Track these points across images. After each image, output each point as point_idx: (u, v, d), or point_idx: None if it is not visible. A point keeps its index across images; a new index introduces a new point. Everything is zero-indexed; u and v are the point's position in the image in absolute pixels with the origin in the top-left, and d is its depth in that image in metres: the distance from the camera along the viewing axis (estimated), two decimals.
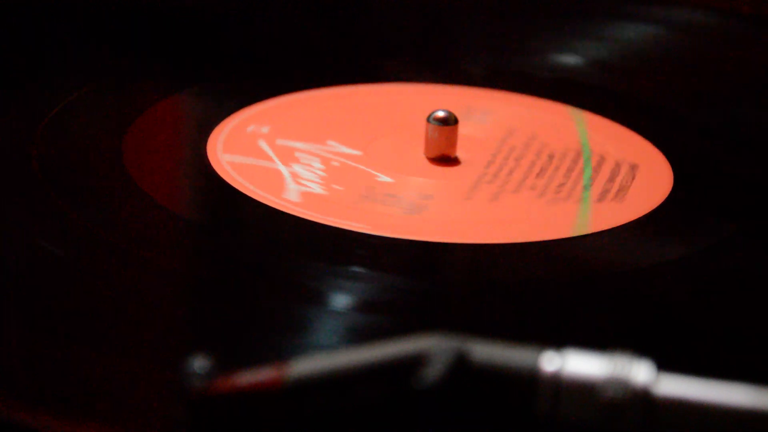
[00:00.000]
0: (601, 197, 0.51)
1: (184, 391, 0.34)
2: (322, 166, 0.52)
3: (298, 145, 0.54)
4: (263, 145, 0.53)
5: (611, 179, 0.52)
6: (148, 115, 0.56)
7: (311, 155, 0.53)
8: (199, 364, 0.35)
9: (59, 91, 0.56)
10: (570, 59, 0.65)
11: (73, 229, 0.46)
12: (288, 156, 0.53)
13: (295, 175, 0.51)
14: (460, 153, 0.54)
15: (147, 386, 0.37)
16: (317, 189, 0.50)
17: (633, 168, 0.53)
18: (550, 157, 0.54)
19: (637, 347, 0.35)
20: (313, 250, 0.47)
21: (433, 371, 0.34)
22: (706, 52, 0.67)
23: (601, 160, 0.54)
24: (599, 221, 0.49)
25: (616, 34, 0.68)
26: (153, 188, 0.49)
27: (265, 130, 0.55)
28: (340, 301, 0.43)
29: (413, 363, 0.34)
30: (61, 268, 0.43)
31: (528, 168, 0.53)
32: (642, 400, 0.34)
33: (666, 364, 0.34)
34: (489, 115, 0.58)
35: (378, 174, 0.52)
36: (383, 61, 0.65)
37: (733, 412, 0.34)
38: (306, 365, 0.34)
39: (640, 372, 0.34)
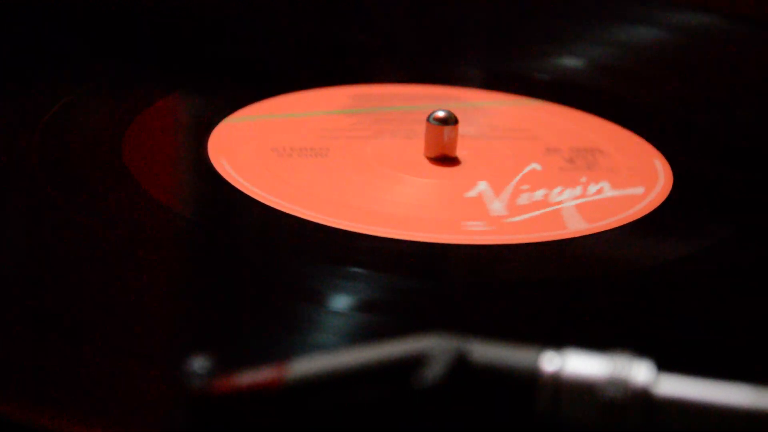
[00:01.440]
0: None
1: (184, 391, 0.34)
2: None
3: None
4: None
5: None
6: (148, 114, 0.56)
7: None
8: (199, 364, 0.35)
9: (59, 91, 0.56)
10: (570, 61, 0.65)
11: (73, 229, 0.46)
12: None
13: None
14: (460, 153, 0.54)
15: (147, 386, 0.37)
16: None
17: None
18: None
19: (637, 347, 0.35)
20: (313, 250, 0.47)
21: (433, 371, 0.34)
22: (706, 54, 0.67)
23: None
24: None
25: (615, 36, 0.68)
26: (153, 188, 0.49)
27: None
28: (340, 301, 0.43)
29: (413, 363, 0.34)
30: (61, 268, 0.43)
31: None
32: (642, 400, 0.34)
33: (666, 364, 0.34)
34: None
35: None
36: (383, 61, 0.65)
37: (732, 412, 0.34)
38: (306, 365, 0.34)
39: (639, 372, 0.34)
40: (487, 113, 0.56)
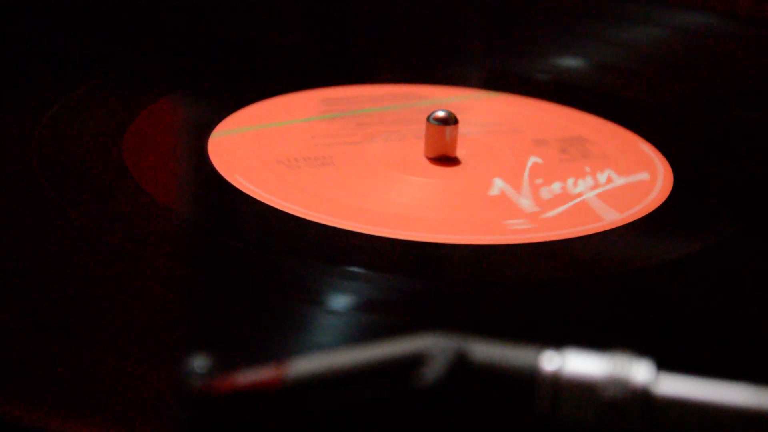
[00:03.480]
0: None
1: (184, 391, 0.34)
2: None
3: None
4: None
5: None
6: (148, 114, 0.56)
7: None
8: (199, 364, 0.35)
9: (59, 91, 0.56)
10: (570, 61, 0.65)
11: (73, 229, 0.46)
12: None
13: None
14: (460, 153, 0.54)
15: (147, 386, 0.37)
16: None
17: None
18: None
19: (637, 347, 0.35)
20: (313, 250, 0.47)
21: (433, 371, 0.34)
22: (706, 54, 0.67)
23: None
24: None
25: (615, 36, 0.68)
26: (153, 188, 0.49)
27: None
28: (340, 301, 0.43)
29: (413, 363, 0.34)
30: (61, 268, 0.43)
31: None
32: (641, 399, 0.34)
33: (666, 363, 0.34)
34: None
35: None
36: (383, 61, 0.65)
37: (732, 412, 0.34)
38: (305, 365, 0.34)
39: (639, 372, 0.34)
40: (460, 109, 0.56)
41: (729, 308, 0.44)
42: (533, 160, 0.54)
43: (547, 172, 0.53)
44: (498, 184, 0.51)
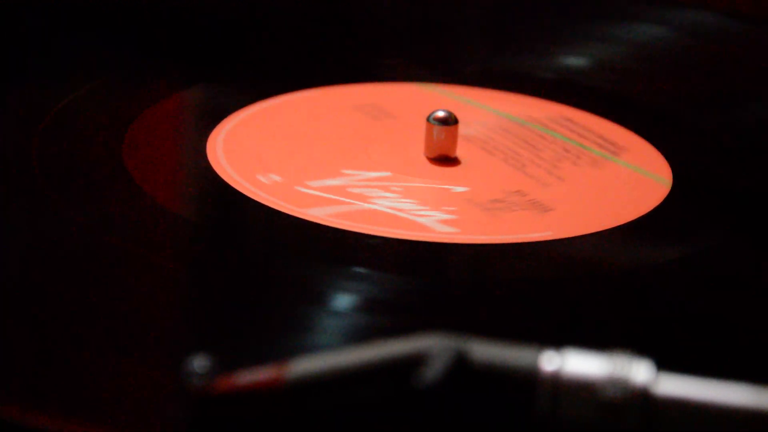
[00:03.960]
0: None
1: (184, 391, 0.34)
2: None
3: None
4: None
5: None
6: (148, 114, 0.56)
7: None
8: (199, 364, 0.35)
9: (59, 91, 0.56)
10: (570, 60, 0.65)
11: (73, 229, 0.46)
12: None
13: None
14: (460, 153, 0.54)
15: (147, 386, 0.37)
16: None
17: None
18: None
19: (637, 347, 0.35)
20: (313, 250, 0.47)
21: (433, 371, 0.34)
22: (706, 53, 0.67)
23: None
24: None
25: (615, 35, 0.68)
26: (153, 188, 0.49)
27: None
28: (340, 301, 0.43)
29: (413, 363, 0.34)
30: (61, 268, 0.43)
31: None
32: (641, 399, 0.34)
33: (665, 363, 0.34)
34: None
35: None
36: (383, 61, 0.65)
37: (732, 412, 0.34)
38: (306, 365, 0.34)
39: (639, 371, 0.34)
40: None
41: (729, 308, 0.44)
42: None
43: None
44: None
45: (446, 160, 0.53)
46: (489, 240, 0.47)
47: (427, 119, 0.53)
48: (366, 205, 0.49)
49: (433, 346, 0.34)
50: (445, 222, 0.48)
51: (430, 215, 0.49)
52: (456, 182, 0.52)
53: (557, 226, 0.48)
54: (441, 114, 0.53)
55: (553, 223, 0.49)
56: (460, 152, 0.54)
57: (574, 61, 0.65)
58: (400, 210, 0.48)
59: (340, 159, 0.53)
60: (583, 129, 0.56)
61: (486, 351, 0.34)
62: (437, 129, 0.53)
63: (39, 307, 0.41)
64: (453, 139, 0.54)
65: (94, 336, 0.39)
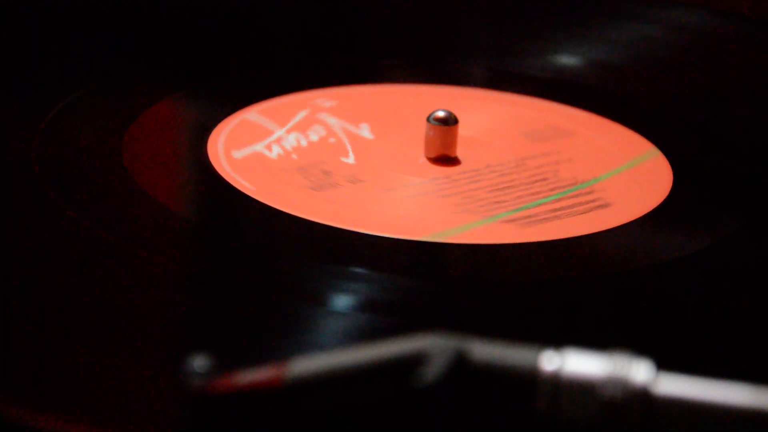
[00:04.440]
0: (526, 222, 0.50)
1: (184, 391, 0.34)
2: (314, 139, 0.53)
3: (326, 117, 0.55)
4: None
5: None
6: (148, 115, 0.56)
7: (322, 126, 0.54)
8: (199, 364, 0.35)
9: (59, 91, 0.56)
10: (570, 60, 0.65)
11: (73, 229, 0.46)
12: (299, 124, 0.54)
13: (280, 139, 0.53)
14: (460, 153, 0.54)
15: (147, 386, 0.37)
16: (271, 153, 0.51)
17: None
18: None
19: (637, 347, 0.35)
20: (313, 250, 0.47)
21: (433, 371, 0.34)
22: (706, 53, 0.67)
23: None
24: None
25: (615, 34, 0.68)
26: (153, 188, 0.49)
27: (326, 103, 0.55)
28: (340, 301, 0.43)
29: (413, 362, 0.34)
30: (61, 268, 0.43)
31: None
32: (641, 399, 0.34)
33: (665, 363, 0.34)
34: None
35: (346, 158, 0.52)
36: (383, 61, 0.65)
37: (732, 412, 0.34)
38: (305, 365, 0.34)
39: (639, 371, 0.34)
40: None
41: (729, 308, 0.44)
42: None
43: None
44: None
45: (446, 160, 0.53)
46: (489, 240, 0.47)
47: (427, 119, 0.54)
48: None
49: (433, 346, 0.34)
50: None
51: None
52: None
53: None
54: (441, 114, 0.53)
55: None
56: (460, 152, 0.54)
57: (571, 60, 0.65)
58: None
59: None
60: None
61: (486, 351, 0.34)
62: (437, 129, 0.53)
63: (39, 306, 0.41)
64: (453, 139, 0.54)
65: (94, 336, 0.39)
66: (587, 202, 0.50)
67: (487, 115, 0.58)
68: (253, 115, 0.57)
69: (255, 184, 0.50)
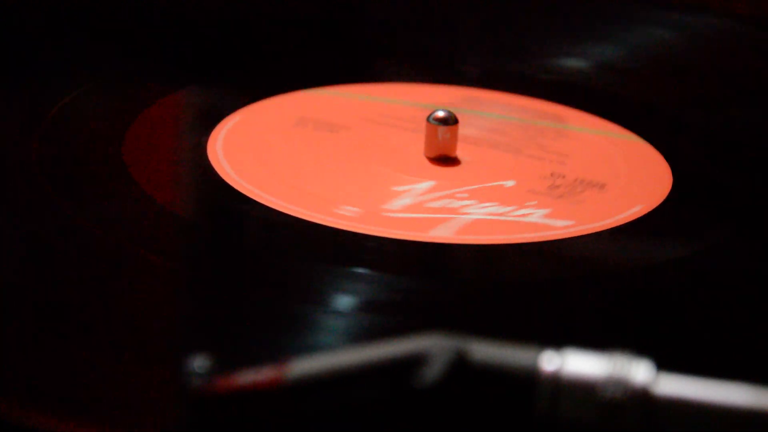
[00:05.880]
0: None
1: (184, 391, 0.34)
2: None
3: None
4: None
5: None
6: (148, 114, 0.56)
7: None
8: (199, 364, 0.35)
9: (59, 91, 0.56)
10: (570, 61, 0.65)
11: (73, 229, 0.46)
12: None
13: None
14: (460, 153, 0.54)
15: (147, 386, 0.37)
16: None
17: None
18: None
19: (637, 347, 0.35)
20: (313, 250, 0.47)
21: (433, 371, 0.34)
22: (706, 54, 0.67)
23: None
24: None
25: (615, 36, 0.68)
26: (153, 188, 0.49)
27: None
28: (340, 301, 0.43)
29: (413, 363, 0.34)
30: (61, 268, 0.43)
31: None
32: (641, 399, 0.34)
33: (665, 363, 0.34)
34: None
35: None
36: (383, 61, 0.65)
37: (732, 412, 0.34)
38: (306, 365, 0.34)
39: (639, 371, 0.34)
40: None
41: (729, 308, 0.44)
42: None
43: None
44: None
45: (446, 159, 0.53)
46: (488, 240, 0.47)
47: (427, 119, 0.54)
48: (466, 217, 0.49)
49: (433, 346, 0.34)
50: (550, 216, 0.48)
51: (531, 212, 0.49)
52: (496, 177, 0.52)
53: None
54: (441, 114, 0.53)
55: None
56: (460, 152, 0.54)
57: (573, 62, 0.65)
58: (501, 214, 0.49)
59: (345, 166, 0.53)
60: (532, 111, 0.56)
61: (486, 351, 0.34)
62: (437, 129, 0.53)
63: (39, 306, 0.41)
64: (453, 138, 0.54)
65: (93, 336, 0.39)
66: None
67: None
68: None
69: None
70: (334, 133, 0.56)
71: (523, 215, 0.49)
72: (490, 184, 0.52)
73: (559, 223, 0.48)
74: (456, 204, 0.50)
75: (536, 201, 0.50)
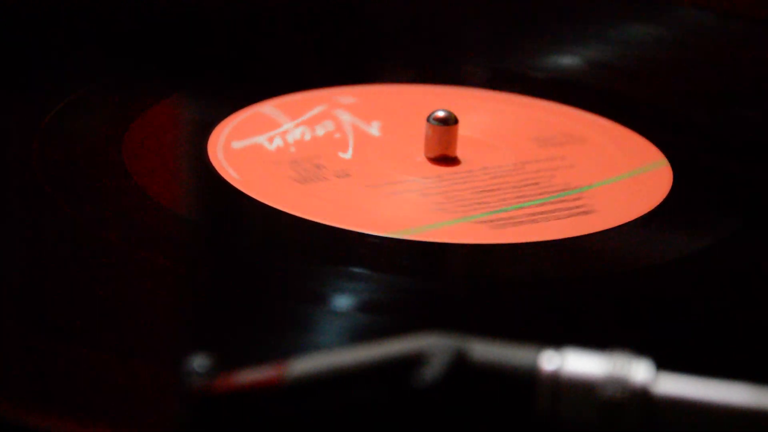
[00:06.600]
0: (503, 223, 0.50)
1: (184, 391, 0.34)
2: (319, 133, 0.53)
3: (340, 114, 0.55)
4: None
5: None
6: (148, 115, 0.56)
7: (331, 121, 0.54)
8: (199, 363, 0.35)
9: (59, 91, 0.56)
10: (570, 60, 0.65)
11: (73, 229, 0.46)
12: (310, 120, 0.54)
13: (286, 132, 0.53)
14: (460, 153, 0.54)
15: (147, 386, 0.37)
16: (270, 145, 0.52)
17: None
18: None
19: (636, 346, 0.35)
20: (313, 250, 0.47)
21: (433, 370, 0.34)
22: (706, 53, 0.67)
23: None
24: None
25: (615, 34, 0.68)
26: (153, 188, 0.49)
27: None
28: (340, 301, 0.43)
29: (412, 362, 0.34)
30: (61, 268, 0.43)
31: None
32: (641, 399, 0.34)
33: (665, 363, 0.34)
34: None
35: (344, 154, 0.52)
36: (383, 61, 0.65)
37: (732, 412, 0.34)
38: (305, 364, 0.34)
39: (639, 371, 0.34)
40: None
41: (729, 308, 0.44)
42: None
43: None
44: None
45: (446, 159, 0.53)
46: (488, 240, 0.47)
47: (427, 119, 0.54)
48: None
49: (433, 346, 0.34)
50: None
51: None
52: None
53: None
54: (441, 114, 0.53)
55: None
56: (460, 152, 0.54)
57: (573, 61, 0.65)
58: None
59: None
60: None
61: (486, 351, 0.34)
62: (437, 129, 0.53)
63: (39, 306, 0.41)
64: (453, 139, 0.54)
65: (93, 336, 0.39)
66: (570, 209, 0.50)
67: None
68: (259, 109, 0.57)
69: (242, 174, 0.50)
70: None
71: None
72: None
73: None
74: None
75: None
